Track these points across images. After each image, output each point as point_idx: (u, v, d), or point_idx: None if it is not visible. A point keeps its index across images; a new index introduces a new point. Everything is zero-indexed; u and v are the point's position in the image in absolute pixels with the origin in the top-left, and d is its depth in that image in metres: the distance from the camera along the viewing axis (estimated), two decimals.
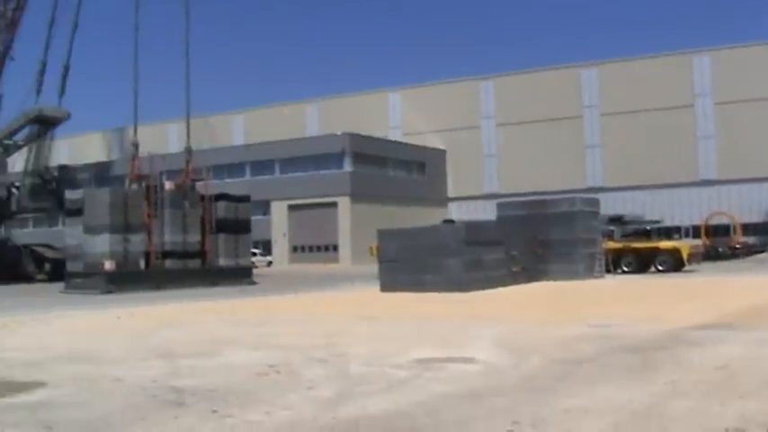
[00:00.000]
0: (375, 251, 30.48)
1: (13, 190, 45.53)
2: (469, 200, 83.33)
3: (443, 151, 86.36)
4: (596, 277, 33.34)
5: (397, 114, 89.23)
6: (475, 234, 28.65)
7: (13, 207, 45.82)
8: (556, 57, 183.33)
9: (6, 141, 46.22)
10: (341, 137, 74.62)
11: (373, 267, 32.34)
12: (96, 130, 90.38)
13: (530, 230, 32.12)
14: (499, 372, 10.11)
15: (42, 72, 44.90)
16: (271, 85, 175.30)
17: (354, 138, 75.31)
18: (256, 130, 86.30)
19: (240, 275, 38.74)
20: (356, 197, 72.88)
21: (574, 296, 24.11)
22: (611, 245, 38.97)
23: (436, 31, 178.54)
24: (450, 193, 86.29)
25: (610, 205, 56.81)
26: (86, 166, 57.83)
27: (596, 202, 36.60)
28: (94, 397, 8.91)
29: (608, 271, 36.11)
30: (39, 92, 44.97)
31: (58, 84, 44.94)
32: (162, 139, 74.07)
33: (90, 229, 34.05)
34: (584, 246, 33.43)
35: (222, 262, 39.00)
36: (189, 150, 40.51)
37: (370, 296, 25.91)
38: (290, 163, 76.26)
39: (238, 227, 40.09)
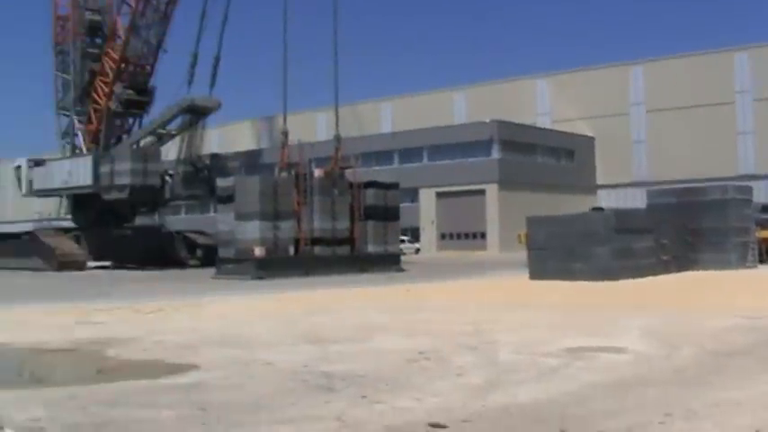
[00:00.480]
0: (523, 239, 30.08)
1: (167, 178, 47.56)
2: (618, 187, 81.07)
3: (592, 138, 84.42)
4: (749, 267, 31.81)
5: (544, 101, 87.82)
6: (624, 222, 28.06)
7: (167, 194, 47.91)
8: (707, 41, 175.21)
9: (160, 131, 48.55)
10: (489, 124, 74.11)
11: (521, 255, 32.03)
12: (246, 118, 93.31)
13: (680, 219, 31.06)
14: (650, 362, 9.87)
15: (194, 64, 46.65)
16: (418, 72, 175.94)
17: (502, 125, 74.65)
18: (404, 118, 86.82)
19: (388, 262, 39.22)
20: (504, 184, 72.34)
21: (726, 286, 23.09)
22: (765, 234, 37.04)
23: (584, 16, 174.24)
24: (599, 180, 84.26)
25: (762, 193, 54.03)
26: (237, 155, 59.65)
27: (749, 190, 34.91)
28: (246, 380, 9.17)
29: (761, 261, 34.38)
30: (190, 83, 46.87)
31: (209, 74, 46.72)
32: (310, 127, 75.60)
33: (241, 216, 35.20)
34: (737, 234, 32.00)
35: (371, 249, 39.53)
36: (338, 138, 41.19)
37: (518, 284, 25.67)
38: (438, 150, 76.41)
39: (387, 214, 40.53)
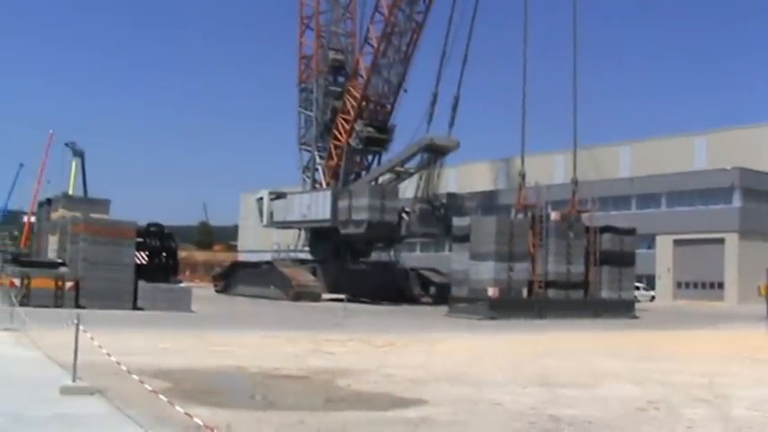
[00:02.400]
0: (764, 291, 28.37)
1: (404, 215, 48.91)
2: None
3: None
4: None
5: None
6: None
7: (403, 231, 49.25)
8: None
9: (398, 169, 50.09)
10: (730, 171, 70.65)
11: (760, 308, 30.34)
12: (483, 159, 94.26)
13: None
14: None
15: (433, 103, 47.87)
16: (658, 116, 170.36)
17: (744, 172, 70.88)
18: (642, 163, 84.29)
19: (622, 309, 38.68)
20: (745, 234, 68.76)
21: None
22: None
23: None
24: None
25: None
26: (473, 195, 60.43)
27: None
28: (473, 418, 9.49)
29: None
30: (429, 122, 48.01)
31: (448, 114, 47.69)
32: (547, 169, 75.11)
33: (476, 256, 35.79)
34: None
35: (605, 294, 39.18)
36: (575, 181, 41.14)
37: (756, 338, 24.39)
38: (677, 196, 73.79)
39: (622, 260, 40.02)
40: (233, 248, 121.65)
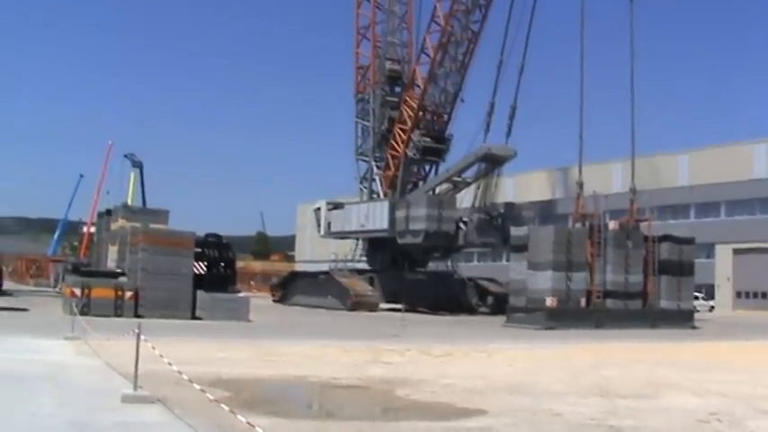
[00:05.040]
0: None
1: (461, 225, 48.80)
2: None
3: None
4: None
5: None
6: None
7: (460, 241, 49.13)
8: None
9: (456, 178, 49.99)
10: None
11: None
12: (541, 168, 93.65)
13: None
14: None
15: (490, 112, 47.66)
16: (717, 124, 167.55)
17: None
18: (701, 171, 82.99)
19: (681, 319, 38.28)
20: None
21: None
22: None
23: None
24: None
25: None
26: (531, 204, 59.96)
27: None
28: (533, 429, 9.45)
29: None
30: (487, 131, 47.87)
31: (505, 123, 47.49)
32: (605, 178, 74.31)
33: (534, 266, 35.64)
34: None
35: (663, 304, 38.83)
36: (633, 190, 40.76)
37: None
38: (737, 205, 72.64)
39: (681, 269, 39.63)
40: (290, 259, 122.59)
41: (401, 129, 51.02)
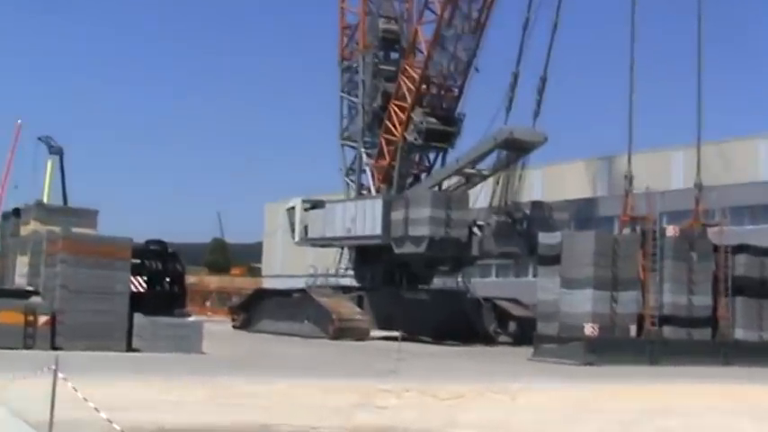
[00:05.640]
0: None
1: (475, 230, 48.48)
2: None
3: None
4: None
5: None
6: None
7: (474, 251, 48.76)
8: None
9: (469, 170, 49.65)
10: None
11: None
12: (578, 158, 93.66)
13: None
14: None
15: (514, 85, 47.45)
16: None
17: None
18: None
19: (763, 354, 37.85)
20: None
21: None
22: None
23: None
24: None
25: None
26: (565, 204, 59.74)
27: None
28: None
29: None
30: (508, 110, 47.75)
31: (533, 100, 47.38)
32: (662, 170, 74.14)
33: (569, 283, 35.53)
34: None
35: (740, 334, 38.64)
36: (698, 186, 40.79)
37: None
38: None
39: (763, 289, 39.42)
40: (256, 272, 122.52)
41: (398, 106, 50.91)
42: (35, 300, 29.52)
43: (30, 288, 30.95)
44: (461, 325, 48.74)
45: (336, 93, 56.37)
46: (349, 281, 54.38)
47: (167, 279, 41.67)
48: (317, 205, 55.17)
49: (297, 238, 56.64)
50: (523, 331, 44.62)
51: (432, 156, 53.09)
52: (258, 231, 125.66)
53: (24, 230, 35.50)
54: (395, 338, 37.33)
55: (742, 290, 38.71)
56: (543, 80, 46.81)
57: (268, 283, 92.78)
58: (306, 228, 55.39)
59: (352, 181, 54.96)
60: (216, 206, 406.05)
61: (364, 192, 53.45)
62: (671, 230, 38.27)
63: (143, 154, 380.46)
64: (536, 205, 50.12)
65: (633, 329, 36.05)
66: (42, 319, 28.40)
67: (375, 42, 53.65)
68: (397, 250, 47.71)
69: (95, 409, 9.67)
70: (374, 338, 45.40)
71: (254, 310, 54.99)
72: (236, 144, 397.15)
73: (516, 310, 50.58)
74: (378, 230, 48.44)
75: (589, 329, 34.52)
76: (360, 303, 49.56)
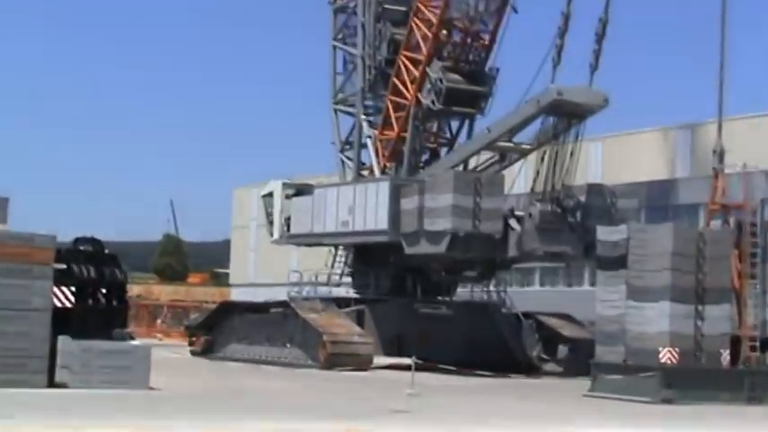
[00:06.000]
0: None
1: (513, 223, 48.32)
2: None
3: None
4: None
5: None
6: None
7: (511, 251, 48.33)
8: None
9: (503, 143, 49.77)
10: None
11: None
12: (649, 126, 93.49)
13: None
14: None
15: (563, 32, 46.89)
16: None
17: None
18: None
19: None
20: None
21: None
22: None
23: None
24: None
25: None
26: (632, 187, 59.51)
27: None
28: None
29: None
30: (556, 64, 47.41)
31: (589, 51, 47.04)
32: (763, 142, 74.30)
33: (638, 293, 35.23)
34: None
35: None
36: None
37: None
38: None
39: None
40: (221, 280, 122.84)
41: (410, 58, 50.86)
42: None
43: None
44: (494, 349, 48.97)
45: (327, 41, 56.48)
46: (345, 291, 54.28)
47: (103, 290, 41.47)
48: (302, 191, 55.24)
49: (276, 235, 56.81)
50: (577, 358, 44.74)
51: (455, 125, 53.24)
52: (224, 226, 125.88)
53: None
54: (407, 367, 37.20)
55: None
56: (604, 23, 46.59)
57: (238, 295, 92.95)
58: (288, 221, 55.50)
59: (348, 158, 55.08)
60: (168, 196, 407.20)
61: (365, 173, 53.52)
62: None
63: (73, 133, 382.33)
64: (594, 189, 49.96)
65: (726, 356, 35.76)
66: None
67: None
68: (408, 250, 47.72)
69: None
70: (379, 367, 45.44)
71: (219, 330, 55.16)
72: (193, 120, 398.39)
73: (567, 330, 50.65)
74: (383, 224, 48.39)
75: (666, 356, 34.31)
76: (360, 321, 49.65)
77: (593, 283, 40.63)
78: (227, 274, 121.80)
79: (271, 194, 56.65)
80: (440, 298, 52.37)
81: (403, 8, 52.39)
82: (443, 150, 52.52)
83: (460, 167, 49.43)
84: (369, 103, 53.67)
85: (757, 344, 36.29)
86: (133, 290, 53.37)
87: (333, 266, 55.47)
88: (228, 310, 58.10)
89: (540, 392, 37.05)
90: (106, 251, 43.33)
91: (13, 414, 19.79)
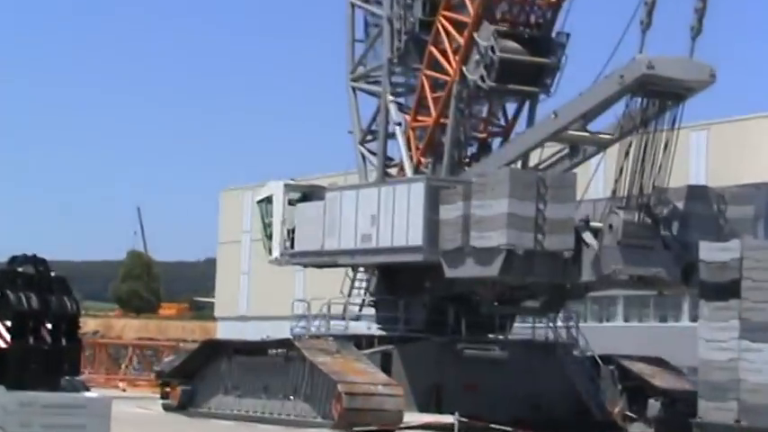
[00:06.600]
0: None
1: (587, 237, 48.29)
2: None
3: None
4: None
5: None
6: None
7: (586, 274, 48.17)
8: None
9: (575, 132, 49.83)
10: None
11: None
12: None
13: None
14: None
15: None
16: None
17: None
18: None
19: None
20: None
21: None
22: None
23: None
24: None
25: None
26: (747, 189, 59.23)
27: None
28: None
29: None
30: (646, 29, 46.93)
31: (689, 17, 47.02)
32: None
33: (755, 330, 35.16)
34: None
35: None
36: None
37: None
38: None
39: None
40: (202, 312, 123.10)
41: (452, 20, 51.10)
42: None
43: None
44: (563, 403, 49.25)
45: (344, 6, 56.61)
46: (367, 326, 54.32)
47: (48, 324, 41.56)
48: (310, 195, 55.47)
49: (276, 253, 57.04)
50: (673, 415, 44.50)
51: (511, 108, 53.14)
52: (207, 242, 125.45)
53: None
54: (448, 427, 37.19)
55: None
56: None
57: (225, 331, 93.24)
58: (291, 234, 55.42)
59: (371, 152, 55.02)
60: (136, 201, 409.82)
61: (393, 171, 53.44)
62: None
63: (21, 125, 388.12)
64: (695, 194, 49.92)
65: None
66: None
67: None
68: (450, 273, 47.81)
69: None
70: (411, 427, 45.39)
71: (201, 378, 55.40)
72: (175, 117, 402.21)
73: (661, 379, 50.57)
74: (417, 239, 48.53)
75: None
76: (386, 365, 49.77)
77: (694, 318, 40.42)
78: (211, 304, 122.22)
79: (269, 199, 56.74)
80: (491, 336, 52.36)
81: None
82: (496, 142, 52.58)
83: (519, 164, 49.39)
84: (398, 79, 53.87)
85: None
86: (88, 324, 53.49)
87: (350, 294, 55.64)
88: (214, 351, 58.25)
89: None
90: (53, 273, 43.52)
91: None
